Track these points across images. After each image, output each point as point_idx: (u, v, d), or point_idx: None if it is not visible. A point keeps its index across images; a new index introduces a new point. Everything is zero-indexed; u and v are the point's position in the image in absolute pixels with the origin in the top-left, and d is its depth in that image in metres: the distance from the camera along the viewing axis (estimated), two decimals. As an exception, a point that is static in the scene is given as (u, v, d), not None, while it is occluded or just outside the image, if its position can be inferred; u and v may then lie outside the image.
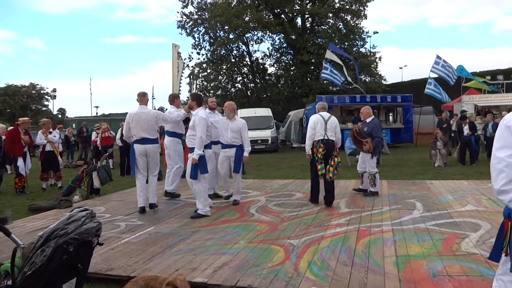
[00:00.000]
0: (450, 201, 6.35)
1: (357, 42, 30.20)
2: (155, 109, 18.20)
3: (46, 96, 53.32)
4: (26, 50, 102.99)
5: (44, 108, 53.73)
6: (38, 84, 52.26)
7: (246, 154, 6.77)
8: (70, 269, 2.22)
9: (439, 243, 4.28)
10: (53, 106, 58.06)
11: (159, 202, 6.85)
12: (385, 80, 30.90)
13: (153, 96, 23.49)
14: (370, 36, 31.91)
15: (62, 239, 2.12)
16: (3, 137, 9.25)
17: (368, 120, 7.28)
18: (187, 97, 9.65)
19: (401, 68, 58.97)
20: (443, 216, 5.46)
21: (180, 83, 17.97)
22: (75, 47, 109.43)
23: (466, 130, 12.11)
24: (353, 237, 4.62)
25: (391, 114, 21.48)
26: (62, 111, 60.61)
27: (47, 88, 53.10)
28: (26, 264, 2.08)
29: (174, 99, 7.19)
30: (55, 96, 52.00)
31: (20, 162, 9.05)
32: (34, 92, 51.71)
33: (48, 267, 2.06)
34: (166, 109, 7.51)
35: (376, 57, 30.79)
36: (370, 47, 31.95)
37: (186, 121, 7.06)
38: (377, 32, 34.51)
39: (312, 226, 5.19)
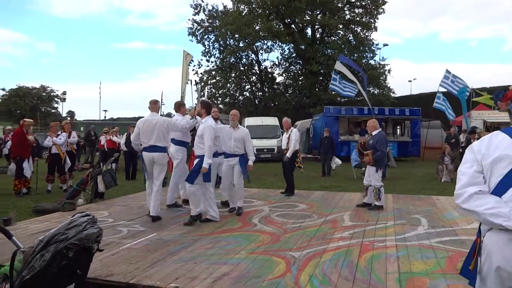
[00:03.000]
0: (456, 218, 6.27)
1: (366, 54, 30.28)
2: (163, 115, 18.32)
3: (56, 99, 53.95)
4: (38, 53, 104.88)
5: (53, 111, 54.28)
6: (48, 87, 52.97)
7: (250, 163, 6.77)
8: (69, 275, 2.21)
9: (443, 261, 4.22)
10: (63, 108, 58.70)
11: (162, 208, 6.86)
12: (393, 92, 30.90)
13: (162, 102, 23.59)
14: (380, 48, 31.93)
15: (62, 244, 2.12)
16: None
17: (374, 133, 7.24)
18: (195, 104, 9.67)
19: (410, 81, 58.91)
20: (448, 233, 5.39)
21: (186, 89, 18.05)
22: (86, 52, 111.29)
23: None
24: (355, 251, 4.57)
25: (398, 127, 21.39)
26: (71, 113, 61.17)
27: (57, 90, 53.80)
28: (25, 268, 2.08)
29: (180, 106, 7.21)
30: (64, 98, 52.73)
31: (25, 164, 9.08)
32: (44, 94, 52.35)
33: (47, 272, 2.06)
34: (174, 115, 7.50)
35: (385, 70, 30.81)
36: (380, 59, 32.02)
37: (193, 129, 7.08)
38: (387, 45, 34.55)
39: (314, 238, 5.15)
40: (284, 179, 8.97)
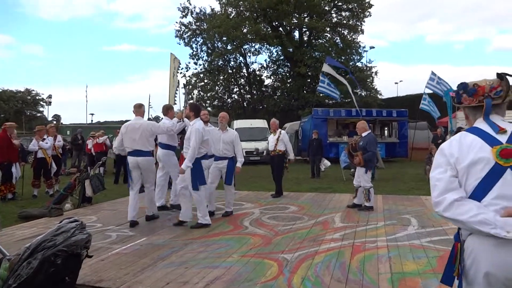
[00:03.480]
0: (445, 218, 6.30)
1: (353, 56, 30.54)
2: (151, 118, 18.15)
3: (41, 102, 53.13)
4: (24, 56, 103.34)
5: (38, 114, 53.45)
6: (33, 90, 52.10)
7: (239, 165, 6.72)
8: (57, 282, 2.15)
9: (434, 261, 4.23)
10: (48, 112, 57.85)
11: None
12: (380, 94, 31.18)
13: (149, 105, 23.40)
14: (367, 51, 32.22)
15: (50, 251, 2.05)
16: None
17: (364, 135, 7.27)
18: (183, 107, 9.65)
19: (396, 83, 59.64)
20: (438, 232, 5.42)
21: (176, 93, 17.93)
22: (73, 55, 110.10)
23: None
24: (347, 252, 4.57)
25: (386, 128, 21.54)
26: (57, 117, 60.32)
27: (42, 94, 52.97)
28: (11, 277, 2.01)
29: (168, 110, 7.13)
30: (50, 102, 51.97)
31: (13, 168, 8.89)
32: (29, 97, 51.49)
33: (34, 280, 1.99)
34: (162, 118, 7.40)
35: (372, 72, 31.09)
36: (367, 62, 32.31)
37: (181, 132, 7.00)
38: (374, 47, 34.76)
39: (306, 240, 5.13)
40: (274, 181, 8.95)
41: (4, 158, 8.92)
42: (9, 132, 9.06)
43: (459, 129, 15.24)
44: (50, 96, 52.23)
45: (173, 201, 7.29)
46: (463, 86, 1.97)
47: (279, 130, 8.84)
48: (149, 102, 27.50)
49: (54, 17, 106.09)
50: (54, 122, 49.98)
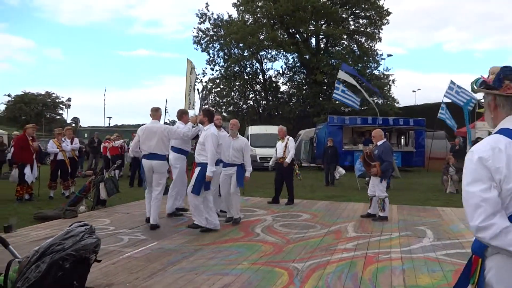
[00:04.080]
0: (462, 230, 6.15)
1: (370, 64, 30.26)
2: (167, 123, 18.31)
3: (61, 105, 54.18)
4: (45, 60, 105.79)
5: (58, 117, 54.50)
6: (53, 93, 53.15)
7: (248, 174, 6.69)
8: (65, 286, 2.14)
9: (450, 275, 4.11)
10: (67, 115, 58.88)
11: (163, 217, 6.81)
12: (397, 103, 30.77)
13: (166, 109, 23.67)
14: (384, 59, 31.98)
15: (58, 255, 2.05)
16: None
17: (379, 143, 7.16)
18: (199, 112, 9.70)
19: (414, 91, 58.54)
20: (455, 245, 5.27)
21: (192, 98, 18.09)
22: (92, 59, 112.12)
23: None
24: (360, 263, 4.48)
25: (403, 137, 21.26)
26: (75, 120, 61.40)
27: (62, 97, 54.01)
28: (20, 279, 2.01)
29: (182, 114, 7.17)
30: (69, 105, 52.95)
31: (27, 169, 9.01)
32: (49, 100, 52.55)
33: (42, 284, 1.99)
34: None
35: (389, 80, 30.75)
36: (384, 70, 32.00)
37: (195, 137, 7.02)
38: (391, 55, 34.69)
39: (318, 249, 5.05)
40: (274, 188, 8.87)
41: (19, 160, 9.11)
42: (28, 134, 9.23)
43: (478, 139, 14.93)
44: (69, 99, 53.22)
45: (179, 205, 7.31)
46: (509, 70, 1.68)
47: (287, 137, 8.80)
48: (166, 107, 27.81)
49: (73, 22, 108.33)
50: (73, 125, 50.97)
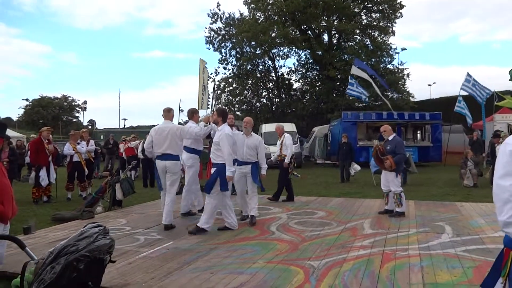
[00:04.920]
0: (482, 226, 6.02)
1: (384, 58, 29.87)
2: (181, 123, 18.41)
3: (77, 108, 55.07)
4: (61, 64, 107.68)
5: (74, 120, 55.42)
6: (70, 96, 54.11)
7: (263, 171, 6.66)
8: (80, 287, 2.15)
9: (470, 271, 4.01)
10: (83, 117, 59.86)
11: (177, 217, 6.84)
12: (413, 97, 30.33)
13: (180, 109, 23.91)
14: (398, 53, 31.49)
15: (73, 256, 2.06)
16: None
17: (390, 138, 7.07)
18: (212, 112, 9.73)
19: (429, 85, 57.67)
20: (475, 241, 5.16)
21: (208, 98, 18.18)
22: (106, 62, 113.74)
23: (498, 150, 11.59)
24: (377, 260, 4.41)
25: (419, 132, 20.98)
26: (92, 122, 62.36)
27: (78, 100, 54.90)
28: (35, 281, 2.03)
29: (193, 114, 7.17)
30: (85, 108, 53.75)
31: (42, 172, 9.15)
32: (66, 103, 53.50)
33: (57, 285, 2.00)
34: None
35: (404, 74, 30.32)
36: (398, 64, 31.57)
37: (208, 136, 7.02)
38: (405, 49, 34.05)
39: (334, 247, 5.00)
40: (278, 186, 8.83)
41: (34, 162, 9.28)
42: (43, 137, 9.38)
43: (497, 132, 14.62)
44: (85, 102, 54.05)
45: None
46: None
47: (284, 134, 8.78)
48: (180, 107, 28.01)
49: (88, 26, 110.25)
50: (89, 127, 51.75)
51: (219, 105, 28.16)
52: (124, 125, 59.76)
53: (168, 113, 6.45)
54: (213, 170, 5.95)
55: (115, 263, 3.21)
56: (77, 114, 56.54)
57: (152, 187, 12.67)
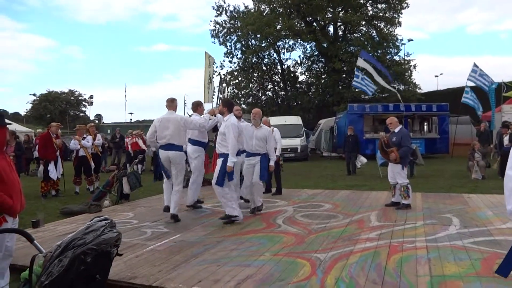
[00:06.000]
0: (490, 217, 5.97)
1: (390, 49, 29.57)
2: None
3: (83, 103, 55.37)
4: (66, 58, 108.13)
5: (81, 114, 55.77)
6: (76, 91, 54.42)
7: (271, 163, 6.66)
8: (87, 280, 2.17)
9: (478, 263, 3.99)
10: (90, 112, 60.28)
11: (184, 210, 6.87)
12: (419, 88, 30.05)
13: (185, 103, 23.88)
14: (404, 44, 31.14)
15: (80, 249, 2.07)
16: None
17: (396, 130, 7.02)
18: (218, 104, 9.69)
19: (436, 76, 57.27)
20: (482, 233, 5.12)
21: (214, 91, 18.16)
22: (112, 56, 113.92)
23: (506, 141, 11.48)
24: (384, 253, 4.39)
25: (426, 123, 20.82)
26: (98, 117, 62.69)
27: (85, 94, 55.22)
28: (44, 274, 2.05)
29: (197, 106, 7.15)
30: (92, 102, 54.13)
31: (51, 166, 9.24)
32: (72, 98, 53.81)
33: (65, 278, 2.02)
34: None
35: (411, 65, 30.02)
36: (405, 55, 31.24)
37: (214, 129, 7.01)
38: (412, 40, 33.63)
39: (340, 239, 4.99)
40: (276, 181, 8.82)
41: (43, 157, 9.38)
42: (52, 132, 9.45)
43: (505, 123, 14.47)
44: (91, 97, 54.40)
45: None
46: None
47: (272, 127, 8.75)
48: (185, 101, 27.96)
49: (93, 20, 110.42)
50: (96, 121, 52.02)
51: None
52: (131, 119, 60.02)
53: (171, 103, 6.42)
54: (218, 161, 5.95)
55: (122, 256, 3.24)
56: (83, 109, 56.95)
57: (161, 180, 12.73)
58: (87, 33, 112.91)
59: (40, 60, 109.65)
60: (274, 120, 21.12)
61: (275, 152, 8.47)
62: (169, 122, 6.20)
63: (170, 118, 6.24)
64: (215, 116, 6.83)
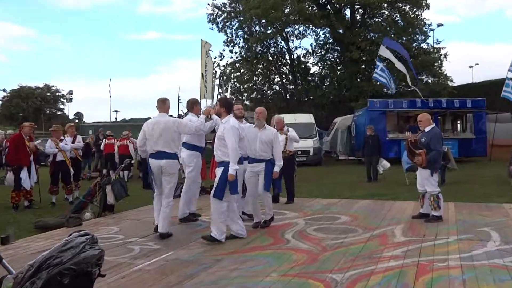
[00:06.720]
0: (535, 231, 5.94)
1: (417, 36, 29.57)
2: (181, 115, 18.48)
3: (61, 99, 55.73)
4: (43, 49, 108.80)
5: (59, 113, 56.11)
6: (53, 86, 54.74)
7: (276, 169, 6.62)
8: (65, 305, 2.16)
9: (522, 285, 3.97)
10: (69, 110, 60.59)
11: (177, 224, 6.89)
12: (451, 81, 30.02)
13: (179, 99, 23.89)
14: (434, 30, 31.09)
15: (56, 269, 2.07)
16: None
17: (427, 130, 7.00)
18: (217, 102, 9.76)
19: (471, 67, 56.73)
20: (527, 250, 5.09)
21: (211, 85, 18.21)
22: (95, 46, 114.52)
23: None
24: (411, 273, 4.38)
25: (459, 122, 20.80)
26: (79, 115, 63.05)
27: (63, 90, 55.53)
28: (14, 298, 2.05)
29: (193, 105, 7.14)
30: (71, 98, 54.47)
31: (23, 173, 9.21)
32: (49, 94, 54.18)
33: (38, 303, 2.02)
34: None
35: (441, 54, 29.99)
36: (433, 42, 31.19)
37: (213, 130, 7.01)
38: (442, 25, 33.49)
39: (360, 257, 4.99)
40: (287, 188, 8.92)
41: (14, 162, 9.33)
42: (25, 134, 9.48)
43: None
44: (70, 92, 54.82)
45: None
46: None
47: (286, 127, 8.87)
48: (179, 97, 28.01)
49: (75, 5, 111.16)
50: (76, 121, 52.32)
51: (224, 94, 28.22)
52: (116, 118, 60.38)
53: (163, 104, 6.41)
54: (218, 170, 5.91)
55: (105, 277, 3.24)
56: (61, 106, 57.32)
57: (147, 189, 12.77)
58: (67, 20, 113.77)
59: (12, 51, 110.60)
60: (286, 118, 21.19)
61: (287, 155, 8.52)
62: (160, 126, 6.18)
63: (161, 121, 6.22)
64: (210, 117, 6.77)
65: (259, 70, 32.29)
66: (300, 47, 36.11)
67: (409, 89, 26.60)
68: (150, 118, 6.69)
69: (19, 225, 7.46)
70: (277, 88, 33.53)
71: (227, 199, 5.81)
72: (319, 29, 31.11)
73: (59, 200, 10.13)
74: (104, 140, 15.73)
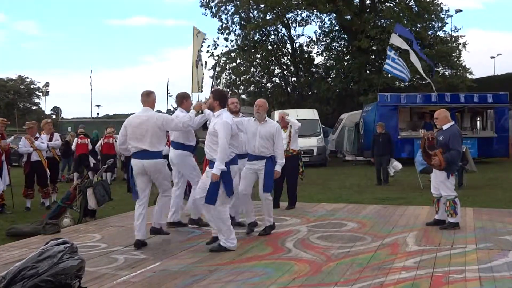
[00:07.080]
0: (562, 240, 5.98)
1: (433, 23, 29.65)
2: (170, 110, 18.50)
3: (37, 92, 55.63)
4: (16, 36, 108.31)
5: (34, 107, 56.00)
6: (27, 78, 54.60)
7: (278, 168, 6.63)
8: (41, 321, 2.18)
9: (547, 299, 4.00)
10: (45, 104, 60.45)
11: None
12: (471, 73, 30.14)
13: (168, 92, 23.78)
14: (451, 16, 31.24)
15: (31, 282, 2.08)
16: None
17: (445, 127, 7.01)
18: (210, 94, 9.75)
19: (493, 57, 56.87)
20: (553, 260, 5.13)
21: (205, 77, 18.26)
22: (75, 32, 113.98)
23: None
24: (424, 285, 4.41)
25: (478, 119, 20.86)
26: (56, 110, 62.90)
27: (38, 82, 55.43)
28: (-16, 313, 2.06)
29: (182, 99, 7.13)
30: (47, 92, 54.39)
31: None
32: (22, 87, 54.06)
33: (12, 318, 2.03)
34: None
35: (459, 43, 30.10)
36: (451, 30, 31.29)
37: (205, 126, 7.00)
38: (461, 11, 33.64)
39: (368, 268, 5.01)
40: (274, 189, 8.85)
41: None
42: (-4, 131, 9.47)
43: None
44: (47, 85, 54.70)
45: (193, 215, 7.34)
46: None
47: (290, 124, 8.88)
48: (168, 89, 28.09)
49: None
50: (53, 117, 52.21)
51: (218, 87, 28.20)
52: (98, 114, 60.18)
53: (147, 98, 6.36)
54: (209, 171, 5.90)
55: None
56: (37, 100, 57.20)
57: (129, 192, 12.79)
58: (43, 3, 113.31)
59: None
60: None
61: (290, 154, 8.52)
62: (143, 122, 6.14)
63: (145, 117, 6.18)
64: (202, 112, 6.76)
65: (257, 60, 32.30)
66: (303, 35, 35.88)
67: (423, 82, 26.68)
68: (135, 112, 6.66)
69: (-11, 233, 7.46)
70: (278, 80, 33.58)
71: (226, 203, 5.81)
72: (324, 15, 31.18)
73: (35, 204, 10.13)
74: (76, 139, 15.19)
